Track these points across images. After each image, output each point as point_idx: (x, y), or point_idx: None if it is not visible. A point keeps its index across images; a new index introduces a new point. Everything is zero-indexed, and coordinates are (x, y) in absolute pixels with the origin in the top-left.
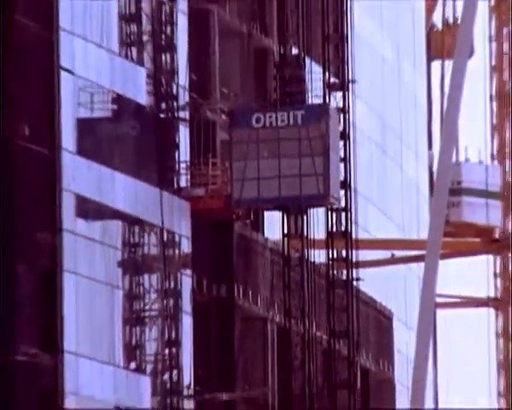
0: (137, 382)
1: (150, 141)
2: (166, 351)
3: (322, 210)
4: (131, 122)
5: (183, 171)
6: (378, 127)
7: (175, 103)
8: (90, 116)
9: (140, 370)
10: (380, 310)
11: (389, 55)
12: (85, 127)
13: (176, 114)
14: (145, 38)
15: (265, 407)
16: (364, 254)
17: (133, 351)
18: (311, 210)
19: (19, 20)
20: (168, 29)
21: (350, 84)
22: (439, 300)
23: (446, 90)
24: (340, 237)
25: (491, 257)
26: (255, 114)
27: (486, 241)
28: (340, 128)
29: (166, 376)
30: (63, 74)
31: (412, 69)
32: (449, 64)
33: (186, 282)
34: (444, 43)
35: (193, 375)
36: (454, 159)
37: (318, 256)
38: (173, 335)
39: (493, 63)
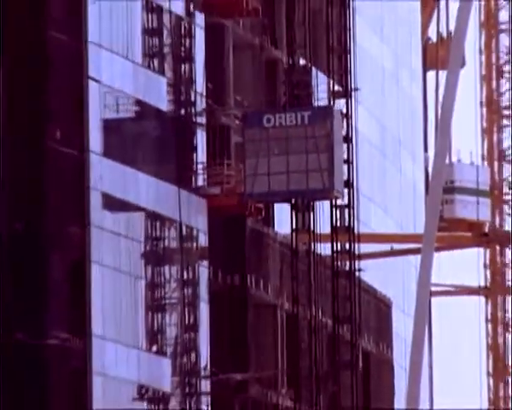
0: (159, 363)
1: (170, 144)
2: (185, 335)
3: (327, 207)
4: (153, 126)
5: (200, 171)
6: (378, 132)
7: (193, 109)
8: (116, 121)
9: (161, 352)
10: (380, 298)
11: (388, 66)
12: (111, 131)
13: (194, 119)
14: (166, 50)
15: (275, 386)
16: (366, 247)
17: (155, 335)
18: (318, 207)
19: (53, 35)
20: (187, 42)
21: (352, 92)
22: (433, 288)
23: (440, 97)
24: (344, 231)
25: (481, 249)
26: (266, 115)
27: (477, 235)
28: (344, 132)
29: (185, 358)
30: (91, 83)
31: (409, 78)
32: (443, 74)
33: (203, 272)
34: (438, 55)
35: (209, 357)
36: (447, 160)
37: (324, 249)
38: (191, 320)
39: (483, 73)
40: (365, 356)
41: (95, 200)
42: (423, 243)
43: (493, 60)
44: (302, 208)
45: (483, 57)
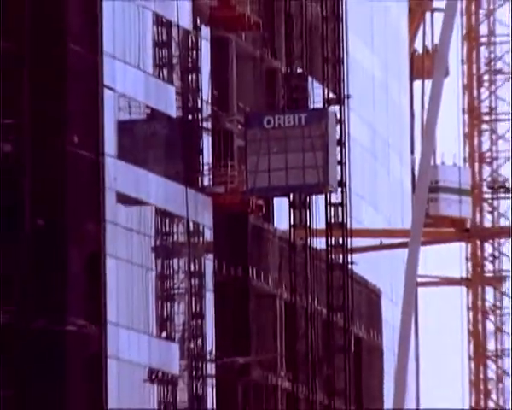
0: (168, 348)
1: (178, 147)
2: (192, 322)
3: (322, 205)
4: (163, 131)
5: (206, 172)
6: (369, 136)
7: (199, 115)
8: (129, 125)
9: (170, 338)
10: (370, 288)
11: (378, 75)
12: (125, 135)
13: (200, 124)
14: (174, 61)
15: (275, 368)
16: (357, 242)
17: (164, 322)
18: (313, 205)
19: (72, 48)
20: (194, 54)
21: (345, 99)
22: (420, 279)
23: (426, 104)
24: (338, 227)
25: (463, 244)
26: (266, 116)
27: (459, 230)
28: (337, 136)
29: (192, 343)
30: (106, 91)
31: (398, 87)
32: (428, 83)
33: (208, 264)
34: (424, 65)
35: (214, 342)
36: (432, 162)
37: (319, 243)
38: (198, 309)
39: (465, 82)
40: (357, 341)
41: (109, 198)
42: (410, 237)
43: (474, 70)
44: (299, 206)
45: (465, 68)
